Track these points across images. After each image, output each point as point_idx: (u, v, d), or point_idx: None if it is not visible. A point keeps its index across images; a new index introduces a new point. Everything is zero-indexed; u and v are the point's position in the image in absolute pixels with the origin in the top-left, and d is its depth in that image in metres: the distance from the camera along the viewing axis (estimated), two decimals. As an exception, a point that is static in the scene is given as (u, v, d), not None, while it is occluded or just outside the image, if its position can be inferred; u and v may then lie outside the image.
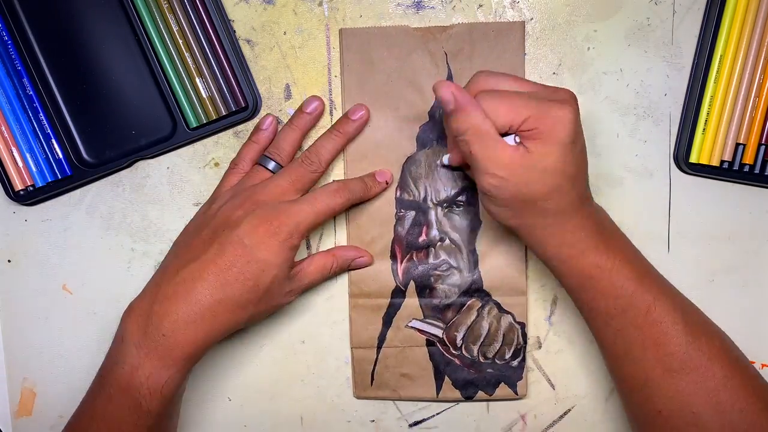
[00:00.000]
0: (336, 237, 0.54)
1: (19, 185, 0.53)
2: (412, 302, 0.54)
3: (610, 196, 0.53)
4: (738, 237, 0.53)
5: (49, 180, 0.53)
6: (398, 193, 0.53)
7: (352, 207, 0.53)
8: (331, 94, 0.54)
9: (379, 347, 0.54)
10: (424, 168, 0.53)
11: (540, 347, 0.54)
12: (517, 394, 0.54)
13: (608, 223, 0.48)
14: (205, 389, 0.56)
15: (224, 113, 0.53)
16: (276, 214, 0.47)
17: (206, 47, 0.52)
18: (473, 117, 0.43)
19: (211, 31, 0.52)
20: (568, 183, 0.44)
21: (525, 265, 0.53)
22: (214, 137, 0.54)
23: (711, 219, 0.53)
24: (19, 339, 0.56)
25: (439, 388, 0.54)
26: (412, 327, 0.54)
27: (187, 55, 0.52)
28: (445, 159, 0.51)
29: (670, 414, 0.45)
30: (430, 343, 0.54)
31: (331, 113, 0.54)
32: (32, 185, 0.53)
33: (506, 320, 0.54)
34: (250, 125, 0.54)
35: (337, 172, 0.54)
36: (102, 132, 0.53)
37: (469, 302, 0.54)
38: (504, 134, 0.43)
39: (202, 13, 0.52)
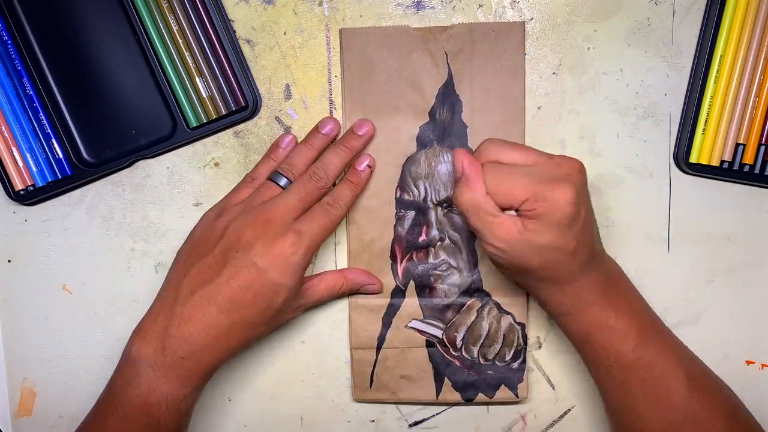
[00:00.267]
0: (336, 237, 0.54)
1: (19, 185, 0.53)
2: (411, 302, 0.54)
3: (610, 196, 0.53)
4: (738, 237, 0.53)
5: (49, 180, 0.53)
6: (398, 193, 0.53)
7: (352, 208, 0.53)
8: (331, 94, 0.54)
9: (378, 348, 0.54)
10: (424, 168, 0.53)
11: (540, 347, 0.54)
12: (518, 397, 0.54)
13: (616, 277, 0.49)
14: (206, 390, 0.55)
15: (224, 113, 0.53)
16: (287, 235, 0.47)
17: (206, 47, 0.52)
18: (475, 193, 0.44)
19: (211, 31, 0.52)
20: (566, 257, 0.44)
21: (525, 265, 0.53)
22: (214, 137, 0.54)
23: (711, 219, 0.53)
24: (19, 339, 0.56)
25: (438, 390, 0.54)
26: (411, 327, 0.54)
27: (187, 55, 0.52)
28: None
29: None
30: (429, 345, 0.54)
31: (331, 113, 0.54)
32: (32, 185, 0.53)
33: (506, 321, 0.53)
34: (250, 125, 0.54)
35: (337, 172, 0.54)
36: (102, 132, 0.53)
37: (468, 302, 0.53)
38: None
39: (202, 13, 0.52)
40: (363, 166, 0.52)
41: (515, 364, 0.54)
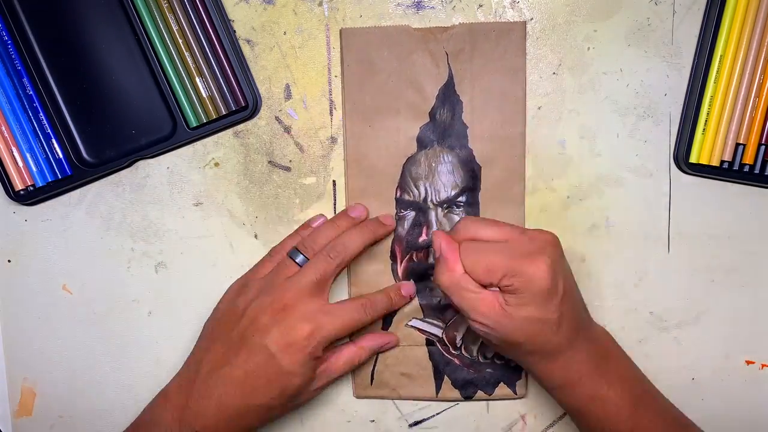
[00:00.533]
0: (336, 237, 0.54)
1: (19, 185, 0.53)
2: (411, 302, 0.54)
3: (610, 196, 0.53)
4: (738, 237, 0.53)
5: (49, 180, 0.53)
6: (398, 194, 0.53)
7: (352, 208, 0.53)
8: (331, 94, 0.54)
9: (379, 347, 0.54)
10: (424, 168, 0.53)
11: (540, 347, 0.54)
12: (516, 394, 0.54)
13: (607, 346, 0.49)
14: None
15: (224, 113, 0.53)
16: (303, 327, 0.48)
17: (206, 47, 0.52)
18: (453, 273, 0.45)
19: (211, 31, 0.52)
20: (550, 328, 0.45)
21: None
22: (214, 137, 0.54)
23: (711, 219, 0.53)
24: (19, 339, 0.56)
25: (438, 387, 0.54)
26: (411, 326, 0.54)
27: (187, 55, 0.52)
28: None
29: None
30: (429, 343, 0.54)
31: (330, 113, 0.54)
32: (32, 185, 0.53)
33: (506, 320, 0.54)
34: (250, 125, 0.54)
35: (338, 173, 0.54)
36: (102, 132, 0.53)
37: (469, 302, 0.54)
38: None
39: (202, 13, 0.52)
40: (406, 294, 0.53)
41: (514, 363, 0.54)
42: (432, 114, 0.53)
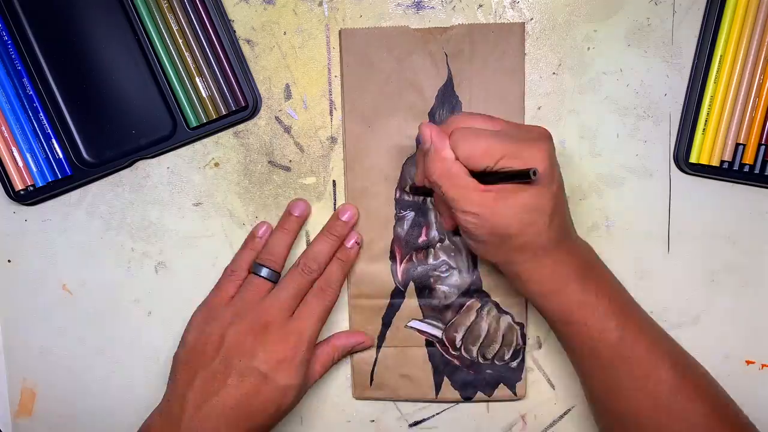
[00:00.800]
0: (336, 237, 0.54)
1: (19, 185, 0.53)
2: (411, 303, 0.54)
3: (610, 196, 0.53)
4: (738, 237, 0.53)
5: (49, 180, 0.53)
6: (398, 194, 0.53)
7: (351, 207, 0.53)
8: (331, 94, 0.54)
9: (378, 347, 0.54)
10: (424, 168, 0.53)
11: (540, 347, 0.54)
12: (516, 395, 0.54)
13: (593, 259, 0.48)
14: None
15: (224, 113, 0.53)
16: (288, 337, 0.48)
17: (206, 47, 0.52)
18: (445, 161, 0.44)
19: (211, 31, 0.52)
20: (542, 220, 0.43)
21: (525, 265, 0.53)
22: (214, 137, 0.54)
23: (711, 219, 0.53)
24: (19, 339, 0.56)
25: (438, 388, 0.54)
26: (411, 327, 0.54)
27: (187, 55, 0.52)
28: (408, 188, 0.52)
29: None
30: (429, 344, 0.54)
31: (330, 113, 0.54)
32: (32, 185, 0.53)
33: (505, 321, 0.53)
34: (250, 125, 0.54)
35: (338, 173, 0.54)
36: (102, 132, 0.53)
37: (468, 303, 0.54)
38: (481, 172, 0.44)
39: (202, 13, 0.52)
40: (351, 243, 0.52)
41: (514, 364, 0.54)
42: (431, 114, 0.53)
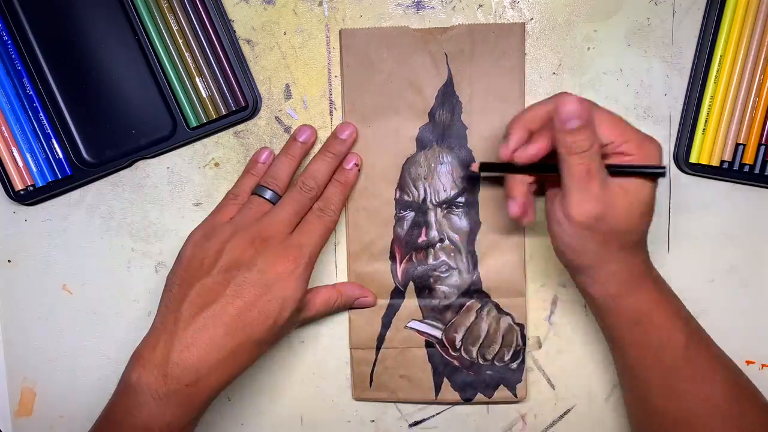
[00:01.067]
0: (336, 238, 0.54)
1: (19, 185, 0.53)
2: (411, 303, 0.54)
3: (610, 197, 0.53)
4: (738, 237, 0.53)
5: (49, 180, 0.53)
6: (398, 194, 0.53)
7: (351, 208, 0.53)
8: (331, 94, 0.54)
9: (378, 348, 0.54)
10: (424, 169, 0.53)
11: (540, 347, 0.54)
12: (516, 397, 0.54)
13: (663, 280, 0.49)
14: (205, 389, 0.55)
15: (224, 113, 0.53)
16: (288, 250, 0.47)
17: (206, 47, 0.52)
18: (597, 136, 0.43)
19: (211, 31, 0.52)
20: (650, 217, 0.45)
21: (524, 266, 0.53)
22: (214, 137, 0.54)
23: (711, 219, 0.53)
24: (19, 339, 0.56)
25: (437, 389, 0.54)
26: (411, 328, 0.54)
27: (187, 55, 0.52)
28: (474, 167, 0.50)
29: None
30: (429, 345, 0.54)
31: (330, 113, 0.54)
32: (32, 185, 0.53)
33: (505, 321, 0.53)
34: (250, 125, 0.54)
35: (337, 172, 0.54)
36: (102, 132, 0.53)
37: (468, 303, 0.54)
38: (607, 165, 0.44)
39: (202, 13, 0.52)
40: (351, 165, 0.52)
41: (514, 365, 0.54)
42: (431, 114, 0.53)
